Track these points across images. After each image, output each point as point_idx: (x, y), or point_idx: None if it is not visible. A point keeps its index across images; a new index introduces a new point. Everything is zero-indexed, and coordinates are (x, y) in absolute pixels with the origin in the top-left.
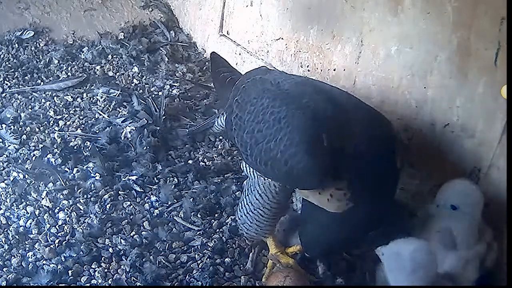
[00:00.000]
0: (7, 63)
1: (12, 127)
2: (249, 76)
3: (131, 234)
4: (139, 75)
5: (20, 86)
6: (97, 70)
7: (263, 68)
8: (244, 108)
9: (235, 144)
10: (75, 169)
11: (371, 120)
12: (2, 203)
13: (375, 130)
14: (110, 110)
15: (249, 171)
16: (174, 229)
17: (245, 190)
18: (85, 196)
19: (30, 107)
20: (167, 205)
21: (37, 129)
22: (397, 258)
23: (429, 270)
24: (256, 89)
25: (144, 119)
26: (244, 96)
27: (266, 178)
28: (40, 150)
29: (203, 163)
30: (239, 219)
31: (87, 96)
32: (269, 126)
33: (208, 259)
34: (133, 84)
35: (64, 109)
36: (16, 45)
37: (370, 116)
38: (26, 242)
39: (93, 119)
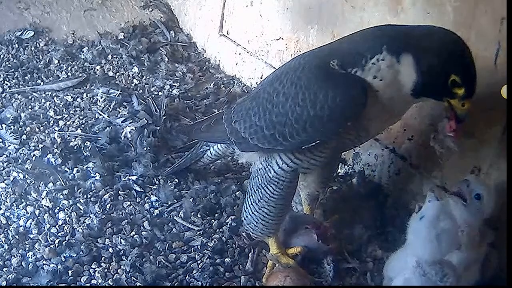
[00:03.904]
0: (7, 63)
1: (12, 127)
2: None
3: (131, 234)
4: (139, 75)
5: (20, 86)
6: (97, 70)
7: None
8: (245, 107)
9: (245, 145)
10: (75, 169)
11: None
12: (2, 203)
13: None
14: (110, 110)
15: (267, 166)
16: (174, 229)
17: (249, 191)
18: (85, 196)
19: (30, 107)
20: (167, 205)
21: (37, 129)
22: (422, 223)
23: (451, 231)
24: (250, 95)
25: (144, 119)
26: (240, 106)
27: (272, 174)
28: (40, 150)
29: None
30: (244, 219)
31: (87, 96)
32: (287, 97)
33: (208, 259)
34: (133, 84)
35: (64, 109)
36: (16, 45)
37: None
38: (26, 242)
39: (93, 119)
